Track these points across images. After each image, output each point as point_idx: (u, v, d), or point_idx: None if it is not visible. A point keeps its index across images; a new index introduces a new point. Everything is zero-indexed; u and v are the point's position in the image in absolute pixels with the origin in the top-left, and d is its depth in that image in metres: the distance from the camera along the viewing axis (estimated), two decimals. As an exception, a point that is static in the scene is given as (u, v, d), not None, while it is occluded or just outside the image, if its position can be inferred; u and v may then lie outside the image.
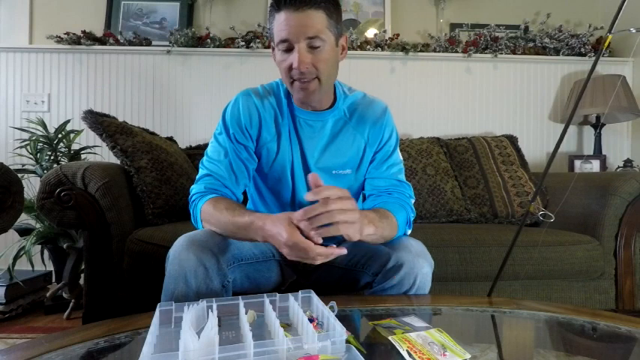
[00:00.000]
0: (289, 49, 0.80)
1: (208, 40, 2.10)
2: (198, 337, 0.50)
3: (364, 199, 1.02)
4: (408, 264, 0.81)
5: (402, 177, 0.98)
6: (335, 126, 0.94)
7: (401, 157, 1.00)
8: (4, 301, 1.55)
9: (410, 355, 0.52)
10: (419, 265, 0.82)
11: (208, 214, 0.84)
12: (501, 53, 2.19)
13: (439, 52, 2.19)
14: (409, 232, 0.94)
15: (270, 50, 0.95)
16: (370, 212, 0.82)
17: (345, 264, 0.93)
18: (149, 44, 2.14)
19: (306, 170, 0.94)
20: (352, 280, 0.94)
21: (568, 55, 2.21)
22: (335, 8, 0.81)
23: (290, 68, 0.81)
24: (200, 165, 0.93)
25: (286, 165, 0.93)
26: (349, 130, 0.94)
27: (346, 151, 0.94)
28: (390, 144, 0.98)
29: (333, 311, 0.61)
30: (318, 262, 0.73)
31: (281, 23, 0.78)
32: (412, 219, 0.94)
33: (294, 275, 1.01)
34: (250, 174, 0.94)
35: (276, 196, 0.98)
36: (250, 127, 0.91)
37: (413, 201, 0.96)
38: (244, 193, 1.01)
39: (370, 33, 2.25)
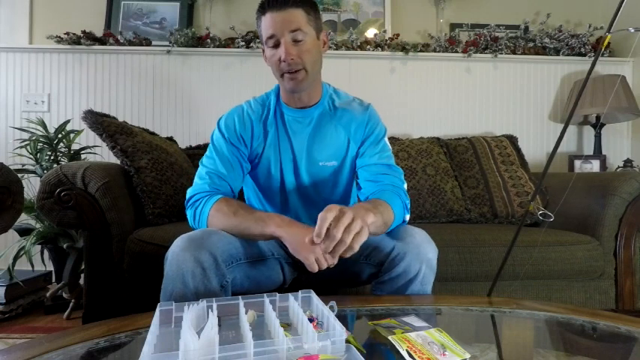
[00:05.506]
0: (276, 45, 0.88)
1: (208, 40, 2.10)
2: (199, 337, 0.50)
3: (358, 187, 1.04)
4: (414, 250, 0.85)
5: (393, 162, 1.01)
6: (319, 118, 1.00)
7: (390, 147, 1.04)
8: (4, 301, 1.55)
9: (410, 354, 0.52)
10: (424, 251, 0.85)
11: (220, 214, 0.87)
12: (501, 53, 2.18)
13: (439, 52, 2.19)
14: (408, 217, 0.96)
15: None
16: (364, 203, 0.85)
17: (348, 257, 0.95)
18: (149, 44, 2.13)
19: (295, 163, 1.00)
20: (354, 274, 0.96)
21: (568, 55, 2.21)
22: (312, 7, 0.90)
23: (279, 61, 0.89)
24: (200, 164, 0.98)
25: (272, 160, 0.99)
26: (332, 123, 1.00)
27: (330, 143, 0.99)
28: (377, 133, 1.01)
29: (333, 311, 0.61)
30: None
31: (267, 22, 0.87)
32: (408, 204, 0.96)
33: (296, 272, 1.03)
34: (244, 172, 0.99)
35: (267, 188, 1.03)
36: (244, 132, 0.98)
37: (405, 185, 0.99)
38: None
39: (370, 33, 2.24)
